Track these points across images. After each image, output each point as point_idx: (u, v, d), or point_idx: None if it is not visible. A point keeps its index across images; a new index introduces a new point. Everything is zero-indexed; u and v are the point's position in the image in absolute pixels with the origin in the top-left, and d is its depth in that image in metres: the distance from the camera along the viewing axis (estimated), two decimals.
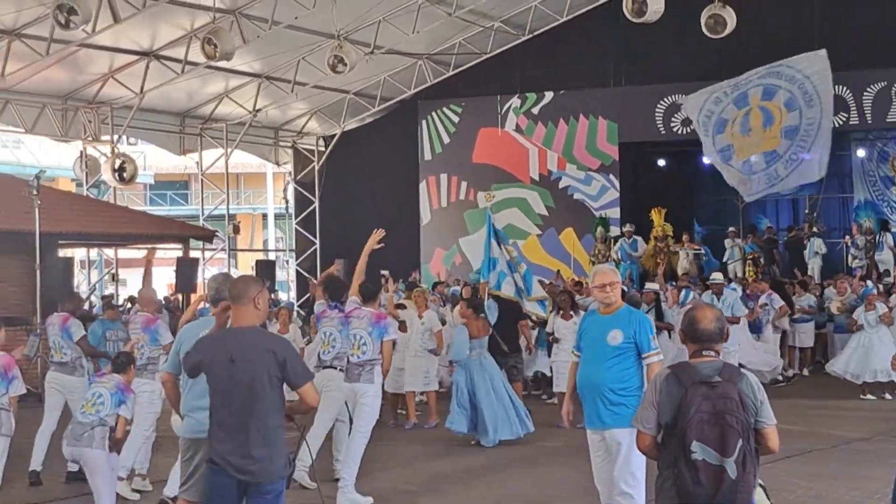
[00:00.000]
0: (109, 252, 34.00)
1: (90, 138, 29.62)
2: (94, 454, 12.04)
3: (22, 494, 14.14)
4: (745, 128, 28.00)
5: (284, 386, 8.43)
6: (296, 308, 30.91)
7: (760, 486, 7.28)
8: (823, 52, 27.05)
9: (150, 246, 34.33)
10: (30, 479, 14.73)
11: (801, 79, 27.19)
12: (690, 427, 6.97)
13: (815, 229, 32.00)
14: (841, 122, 29.48)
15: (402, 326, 18.19)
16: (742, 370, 7.25)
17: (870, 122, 29.86)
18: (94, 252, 34.45)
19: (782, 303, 24.55)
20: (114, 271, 33.13)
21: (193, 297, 26.26)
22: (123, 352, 13.68)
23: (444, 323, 20.95)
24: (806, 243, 31.60)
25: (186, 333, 9.93)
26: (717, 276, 23.84)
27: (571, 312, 19.87)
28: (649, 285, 23.59)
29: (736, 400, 6.97)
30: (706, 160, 29.75)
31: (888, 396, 21.72)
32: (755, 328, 23.92)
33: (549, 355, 20.80)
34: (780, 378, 24.07)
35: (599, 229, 31.70)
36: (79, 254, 33.74)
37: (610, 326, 10.12)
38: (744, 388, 7.04)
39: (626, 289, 18.68)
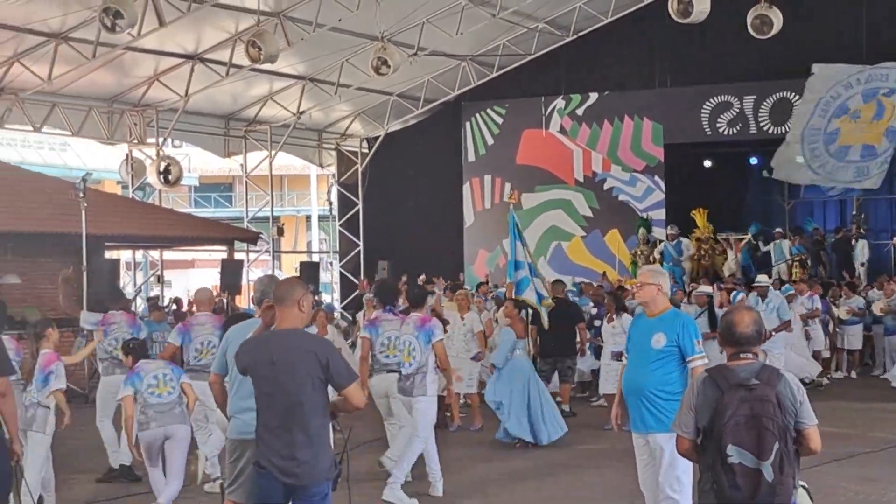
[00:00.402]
0: (154, 254, 34.19)
1: (136, 141, 29.81)
2: (185, 429, 12.65)
3: (85, 493, 14.21)
4: (857, 115, 28.01)
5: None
6: (339, 310, 31.01)
7: (803, 487, 7.29)
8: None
9: (195, 248, 34.60)
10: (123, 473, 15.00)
11: None
12: (727, 431, 6.97)
13: (861, 230, 31.90)
14: None
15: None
16: (781, 372, 7.22)
17: None
18: (139, 254, 34.60)
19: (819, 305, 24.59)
20: (159, 273, 33.32)
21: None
22: (135, 338, 13.98)
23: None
24: (854, 245, 31.48)
25: (233, 334, 9.97)
26: (762, 279, 23.73)
27: (613, 316, 19.88)
28: (702, 288, 23.54)
29: (773, 402, 6.96)
30: (793, 130, 29.42)
31: None
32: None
33: (598, 357, 20.84)
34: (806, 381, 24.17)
35: (641, 230, 31.72)
36: (124, 256, 33.93)
37: (654, 329, 10.13)
38: (782, 389, 7.03)
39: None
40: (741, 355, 7.21)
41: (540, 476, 15.40)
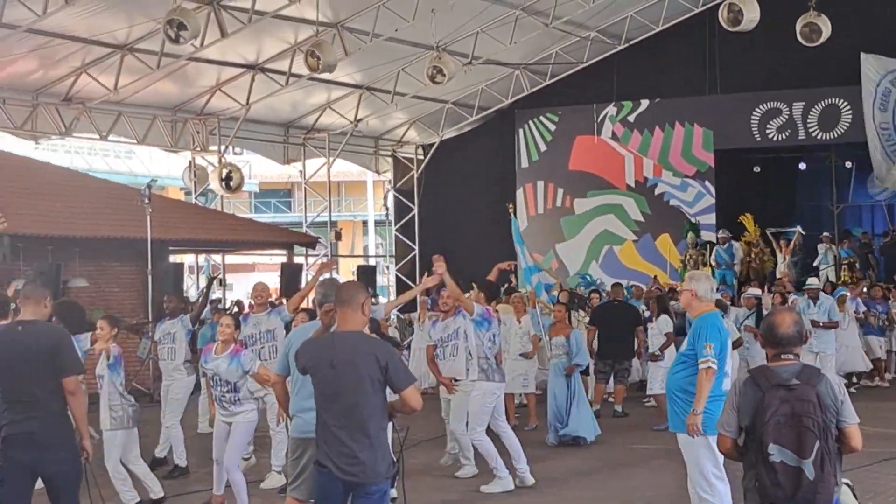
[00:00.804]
0: (217, 258, 34.43)
1: (198, 149, 30.02)
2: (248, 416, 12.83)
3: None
4: None
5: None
6: (394, 312, 31.05)
7: (847, 485, 7.25)
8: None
9: (256, 252, 34.74)
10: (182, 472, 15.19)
11: None
12: (767, 430, 6.97)
13: None
14: None
15: None
16: (822, 372, 7.22)
17: None
18: (201, 258, 34.82)
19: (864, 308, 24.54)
20: (221, 276, 33.49)
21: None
22: None
23: None
24: None
25: (296, 336, 10.06)
26: (812, 282, 23.71)
27: (654, 318, 19.94)
28: (751, 291, 23.50)
29: (813, 402, 6.93)
30: (868, 133, 29.45)
31: None
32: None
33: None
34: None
35: (690, 234, 31.60)
36: (188, 260, 34.16)
37: (686, 333, 10.23)
38: (823, 389, 7.00)
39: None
40: (782, 356, 7.19)
41: (591, 474, 15.44)
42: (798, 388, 6.99)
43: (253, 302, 15.49)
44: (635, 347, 21.02)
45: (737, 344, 18.22)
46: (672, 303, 21.06)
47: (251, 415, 13.00)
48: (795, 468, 6.92)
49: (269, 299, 17.60)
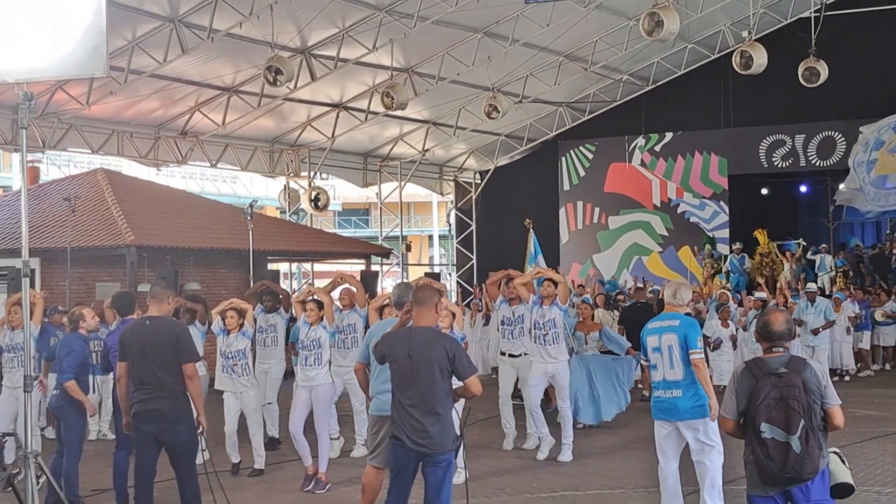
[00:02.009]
0: (307, 266, 34.57)
1: (292, 174, 30.18)
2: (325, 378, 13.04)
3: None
4: (894, 149, 27.95)
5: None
6: None
7: (836, 454, 7.27)
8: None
9: (339, 261, 34.86)
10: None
11: None
12: (760, 411, 7.02)
13: (895, 250, 31.51)
14: None
15: None
16: (807, 361, 7.26)
17: None
18: (294, 266, 34.97)
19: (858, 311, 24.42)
20: (311, 281, 33.63)
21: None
22: None
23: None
24: (891, 257, 31.11)
25: (375, 330, 10.13)
26: (811, 286, 23.66)
27: None
28: (757, 294, 23.41)
29: (799, 387, 6.98)
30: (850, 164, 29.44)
31: None
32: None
33: None
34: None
35: (707, 247, 31.57)
36: (283, 267, 34.30)
37: None
38: (807, 375, 7.05)
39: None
40: (774, 349, 7.26)
41: (622, 450, 15.39)
42: (786, 376, 7.05)
43: (339, 303, 15.57)
44: None
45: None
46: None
47: (327, 378, 13.16)
48: (784, 443, 6.97)
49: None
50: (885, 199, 28.74)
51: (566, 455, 14.35)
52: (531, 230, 22.33)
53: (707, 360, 19.09)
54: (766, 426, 7.03)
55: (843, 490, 7.20)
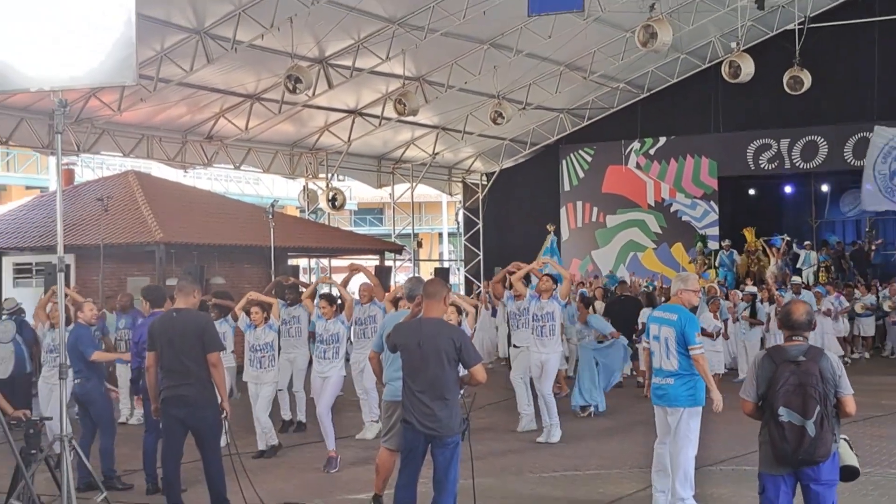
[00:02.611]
0: (324, 261, 34.57)
1: (310, 176, 30.16)
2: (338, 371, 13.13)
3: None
4: None
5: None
6: None
7: (845, 440, 7.27)
8: None
9: (353, 258, 34.81)
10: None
11: None
12: (778, 396, 7.00)
13: (873, 246, 31.53)
14: None
15: None
16: (825, 351, 7.24)
17: None
18: (313, 261, 34.97)
19: (847, 304, 24.34)
20: (328, 275, 33.60)
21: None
22: None
23: None
24: (869, 253, 31.10)
25: (388, 321, 10.13)
26: (796, 279, 23.89)
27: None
28: (748, 288, 23.42)
29: (816, 375, 6.97)
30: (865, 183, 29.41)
31: None
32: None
33: None
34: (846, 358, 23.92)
35: (699, 244, 31.53)
36: (302, 262, 34.30)
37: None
38: (824, 364, 7.04)
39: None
40: (794, 337, 7.25)
41: (598, 438, 15.37)
42: (804, 364, 7.03)
43: (359, 297, 15.60)
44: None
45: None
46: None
47: (341, 371, 13.17)
48: (800, 427, 6.94)
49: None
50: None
51: (556, 436, 14.39)
52: (551, 233, 22.27)
53: None
54: (784, 410, 7.00)
55: (849, 473, 7.21)
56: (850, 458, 7.22)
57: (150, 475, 11.46)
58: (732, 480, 11.54)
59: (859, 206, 29.72)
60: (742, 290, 23.41)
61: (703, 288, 23.49)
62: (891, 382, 20.32)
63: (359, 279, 16.21)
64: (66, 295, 10.38)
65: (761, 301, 22.21)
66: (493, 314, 24.56)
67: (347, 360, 14.14)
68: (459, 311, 12.97)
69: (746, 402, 7.30)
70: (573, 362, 20.16)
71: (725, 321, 21.19)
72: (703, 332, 19.25)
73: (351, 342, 15.33)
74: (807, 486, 7.09)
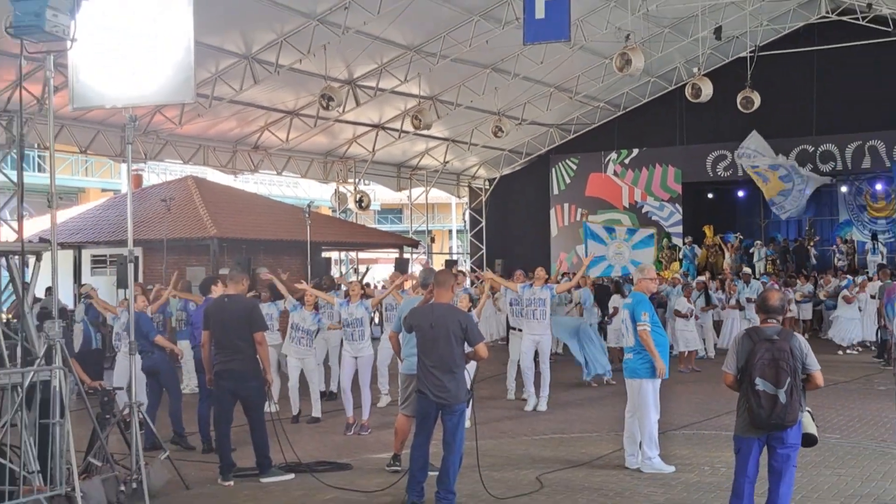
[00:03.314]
0: (353, 254, 34.55)
1: (341, 181, 30.12)
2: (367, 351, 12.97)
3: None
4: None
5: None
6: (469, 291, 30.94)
7: (808, 412, 7.26)
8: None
9: (378, 250, 34.69)
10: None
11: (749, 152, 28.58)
12: (755, 369, 7.03)
13: (812, 242, 31.47)
14: (830, 169, 29.33)
15: None
16: (793, 332, 7.30)
17: (850, 168, 29.15)
18: (343, 254, 34.94)
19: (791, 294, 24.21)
20: (356, 266, 33.65)
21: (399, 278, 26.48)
22: None
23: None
24: (809, 249, 30.98)
25: (405, 305, 10.09)
26: (746, 270, 23.81)
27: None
28: (699, 278, 23.33)
29: (787, 351, 6.99)
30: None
31: (852, 352, 21.18)
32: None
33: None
34: None
35: (665, 240, 31.41)
36: (333, 255, 34.29)
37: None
38: (794, 343, 7.07)
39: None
40: (769, 320, 7.28)
41: (582, 406, 15.28)
42: (778, 342, 7.05)
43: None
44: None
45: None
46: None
47: (370, 349, 13.06)
48: (773, 395, 6.96)
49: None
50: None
51: (543, 406, 14.30)
52: (585, 222, 22.12)
53: (674, 331, 19.08)
54: (759, 381, 7.02)
55: (809, 439, 7.21)
56: (810, 427, 7.22)
57: (205, 437, 11.41)
58: (692, 443, 11.48)
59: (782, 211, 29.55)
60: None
61: (668, 278, 23.45)
62: (827, 360, 20.13)
63: (380, 271, 16.20)
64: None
65: (715, 289, 22.12)
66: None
67: (374, 339, 14.10)
68: (471, 299, 12.93)
69: (728, 375, 7.30)
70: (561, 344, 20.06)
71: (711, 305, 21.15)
72: (678, 314, 19.38)
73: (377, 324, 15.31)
74: (773, 447, 7.13)
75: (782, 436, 7.08)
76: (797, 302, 24.62)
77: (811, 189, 28.60)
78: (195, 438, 11.68)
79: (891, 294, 6.62)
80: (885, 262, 26.81)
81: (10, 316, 11.15)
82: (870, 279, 22.95)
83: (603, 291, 20.80)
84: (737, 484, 7.21)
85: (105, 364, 17.01)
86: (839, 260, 29.65)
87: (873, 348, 20.79)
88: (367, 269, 23.96)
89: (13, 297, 9.07)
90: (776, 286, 23.81)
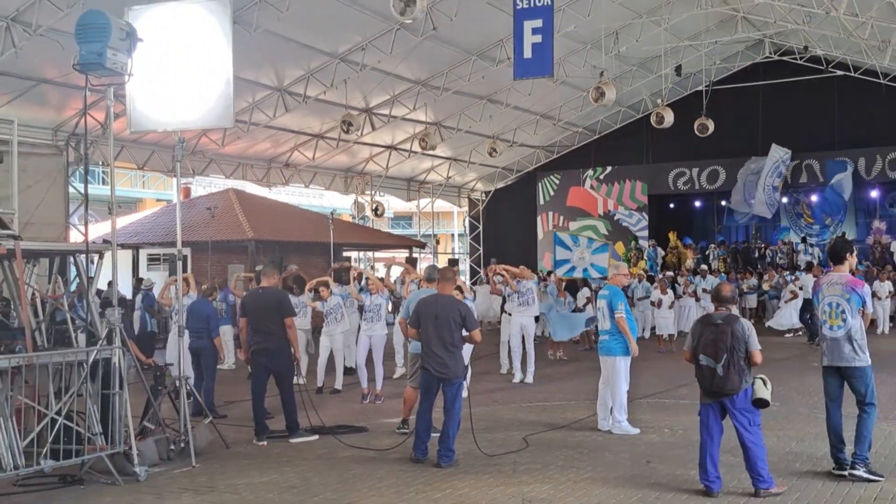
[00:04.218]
0: (370, 254, 34.54)
1: (359, 193, 30.08)
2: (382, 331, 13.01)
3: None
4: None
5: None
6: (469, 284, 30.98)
7: (760, 378, 7.35)
8: (788, 152, 27.73)
9: (392, 251, 34.78)
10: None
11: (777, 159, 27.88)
12: (699, 346, 7.25)
13: (759, 243, 31.47)
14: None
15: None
16: (739, 318, 7.38)
17: (790, 182, 29.10)
18: (361, 254, 34.94)
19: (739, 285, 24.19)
20: (372, 264, 33.63)
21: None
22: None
23: None
24: (754, 249, 31.01)
25: (413, 297, 10.12)
26: (704, 267, 23.74)
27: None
28: (668, 273, 23.33)
29: (728, 333, 7.13)
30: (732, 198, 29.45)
31: (790, 336, 21.16)
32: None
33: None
34: None
35: (633, 243, 31.38)
36: (353, 255, 34.29)
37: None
38: (736, 327, 7.19)
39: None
40: (719, 308, 7.44)
41: (562, 379, 15.28)
42: (721, 326, 7.21)
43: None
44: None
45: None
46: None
47: (383, 329, 13.06)
48: (712, 368, 7.15)
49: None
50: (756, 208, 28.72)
51: (529, 379, 14.33)
52: (555, 232, 22.20)
53: (653, 317, 19.36)
54: (702, 356, 7.23)
55: (760, 403, 7.27)
56: (762, 392, 7.28)
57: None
58: (655, 410, 11.50)
59: (751, 212, 29.35)
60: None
61: (635, 274, 23.43)
62: (769, 342, 20.05)
63: (393, 269, 16.27)
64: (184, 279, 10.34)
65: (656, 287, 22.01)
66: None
67: (389, 324, 14.11)
68: (461, 290, 12.95)
69: (686, 352, 7.51)
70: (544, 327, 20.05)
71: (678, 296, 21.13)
72: (653, 304, 19.55)
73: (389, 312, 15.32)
74: (728, 410, 7.28)
75: (730, 402, 7.21)
76: (744, 293, 24.70)
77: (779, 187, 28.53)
78: (234, 408, 11.71)
79: (817, 287, 6.70)
80: (815, 260, 26.84)
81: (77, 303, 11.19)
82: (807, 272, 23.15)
83: (572, 286, 20.82)
84: (700, 440, 7.40)
85: (159, 344, 17.08)
86: (780, 259, 29.67)
87: (801, 333, 20.84)
88: (388, 269, 23.92)
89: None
90: (732, 281, 23.93)
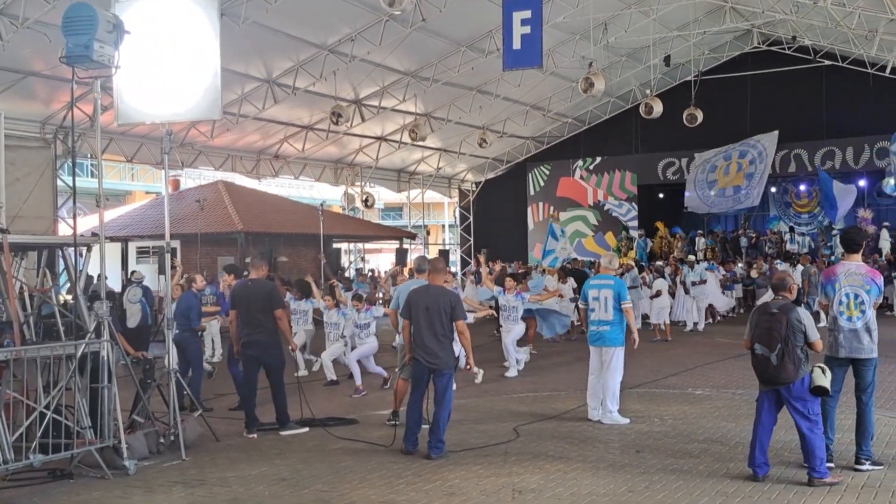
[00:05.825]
0: (360, 245, 34.49)
1: (349, 184, 30.06)
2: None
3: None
4: (726, 171, 27.81)
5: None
6: (459, 274, 30.97)
7: (819, 367, 7.32)
8: (776, 132, 27.18)
9: (382, 242, 34.64)
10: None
11: (760, 147, 27.22)
12: (756, 335, 7.30)
13: (748, 232, 31.54)
14: None
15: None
16: (795, 306, 7.36)
17: (778, 172, 29.11)
18: (351, 245, 34.90)
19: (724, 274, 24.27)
20: (363, 256, 33.59)
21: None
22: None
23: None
24: (741, 239, 31.10)
25: (402, 288, 10.09)
26: (691, 257, 23.77)
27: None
28: (658, 263, 23.38)
29: (783, 322, 7.14)
30: (687, 192, 29.15)
31: None
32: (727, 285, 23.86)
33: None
34: (731, 313, 23.84)
35: (623, 233, 31.44)
36: (343, 246, 34.25)
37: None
38: (792, 315, 7.19)
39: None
40: (776, 296, 7.44)
41: (552, 370, 15.30)
42: (777, 315, 7.20)
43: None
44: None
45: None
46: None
47: (372, 341, 13.21)
48: (767, 357, 7.18)
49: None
50: (722, 203, 28.59)
51: (513, 373, 14.28)
52: (550, 220, 22.30)
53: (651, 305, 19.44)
54: (758, 345, 7.25)
55: (819, 391, 7.24)
56: (820, 380, 7.24)
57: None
58: (645, 400, 11.51)
59: (689, 209, 29.50)
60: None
61: (625, 263, 23.48)
62: None
63: (377, 258, 16.26)
64: (174, 268, 10.29)
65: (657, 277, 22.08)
66: (478, 283, 24.42)
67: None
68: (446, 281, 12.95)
69: (746, 341, 7.51)
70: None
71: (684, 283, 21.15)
72: (659, 293, 19.61)
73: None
74: (784, 398, 7.29)
75: (786, 390, 7.24)
76: (734, 282, 24.77)
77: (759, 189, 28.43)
78: (222, 400, 11.70)
79: (832, 277, 6.67)
80: (805, 249, 26.89)
81: (67, 297, 11.13)
82: (793, 264, 23.24)
83: (580, 275, 20.85)
84: (753, 426, 7.47)
85: (160, 337, 17.02)
86: (769, 248, 29.75)
87: None
88: (360, 257, 24.07)
89: (68, 283, 9.10)
90: (718, 270, 23.96)
